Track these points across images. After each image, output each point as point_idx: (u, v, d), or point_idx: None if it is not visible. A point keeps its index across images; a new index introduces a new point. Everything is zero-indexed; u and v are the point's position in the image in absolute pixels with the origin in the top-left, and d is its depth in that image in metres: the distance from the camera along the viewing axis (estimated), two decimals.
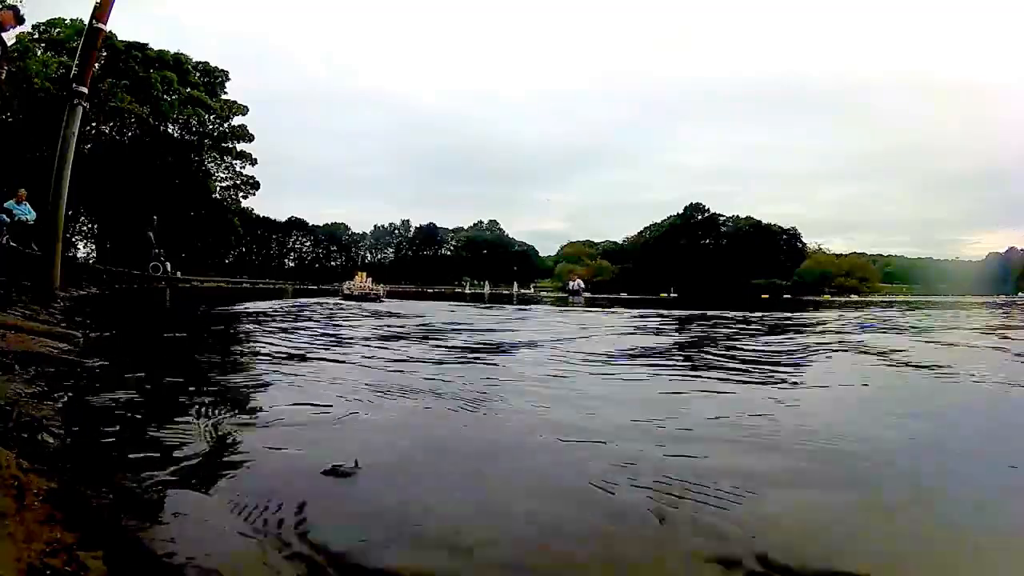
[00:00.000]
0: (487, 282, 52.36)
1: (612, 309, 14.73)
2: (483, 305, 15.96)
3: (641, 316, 10.93)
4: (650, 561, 1.18)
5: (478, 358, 4.27)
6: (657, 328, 7.82)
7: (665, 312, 12.86)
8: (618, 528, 1.30)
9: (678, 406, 2.63)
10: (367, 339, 5.52)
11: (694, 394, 2.96)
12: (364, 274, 21.06)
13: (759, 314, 12.20)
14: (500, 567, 1.13)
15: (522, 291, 43.78)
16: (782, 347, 5.47)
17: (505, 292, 40.71)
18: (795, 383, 3.41)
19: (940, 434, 2.28)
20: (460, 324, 8.01)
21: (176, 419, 2.10)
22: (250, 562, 1.09)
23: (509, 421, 2.32)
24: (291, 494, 1.40)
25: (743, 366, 4.07)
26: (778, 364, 4.26)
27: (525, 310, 13.52)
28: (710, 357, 4.56)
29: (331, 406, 2.40)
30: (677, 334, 6.97)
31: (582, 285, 29.40)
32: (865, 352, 5.04)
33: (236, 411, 2.26)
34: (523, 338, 5.96)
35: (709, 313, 12.33)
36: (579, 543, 1.24)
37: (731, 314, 12.06)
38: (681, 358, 4.53)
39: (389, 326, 7.44)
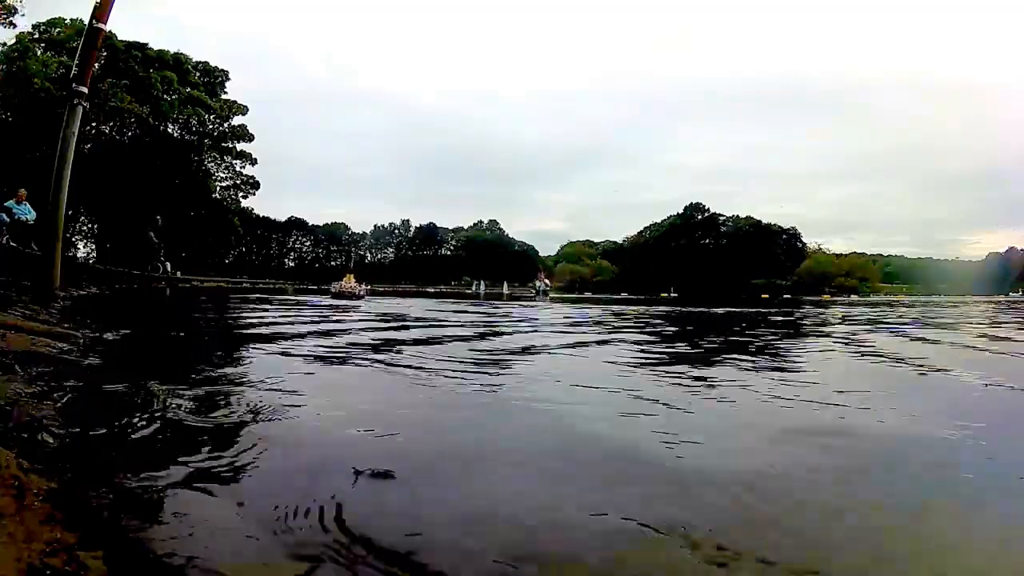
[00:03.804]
0: (482, 282, 53.13)
1: (556, 305, 15.04)
2: (469, 302, 16.97)
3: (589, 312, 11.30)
4: None
5: None
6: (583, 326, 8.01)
7: (624, 307, 13.77)
8: None
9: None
10: None
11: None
12: (352, 276, 23.41)
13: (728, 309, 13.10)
14: None
15: (535, 289, 44.44)
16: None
17: (505, 292, 40.95)
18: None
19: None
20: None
21: (176, 418, 2.10)
22: (251, 562, 1.09)
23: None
24: (291, 492, 1.40)
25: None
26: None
27: (496, 306, 14.61)
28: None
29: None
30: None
31: (548, 284, 31.39)
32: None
33: (233, 409, 2.27)
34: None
35: (680, 310, 13.23)
36: None
37: (703, 310, 13.27)
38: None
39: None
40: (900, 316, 12.34)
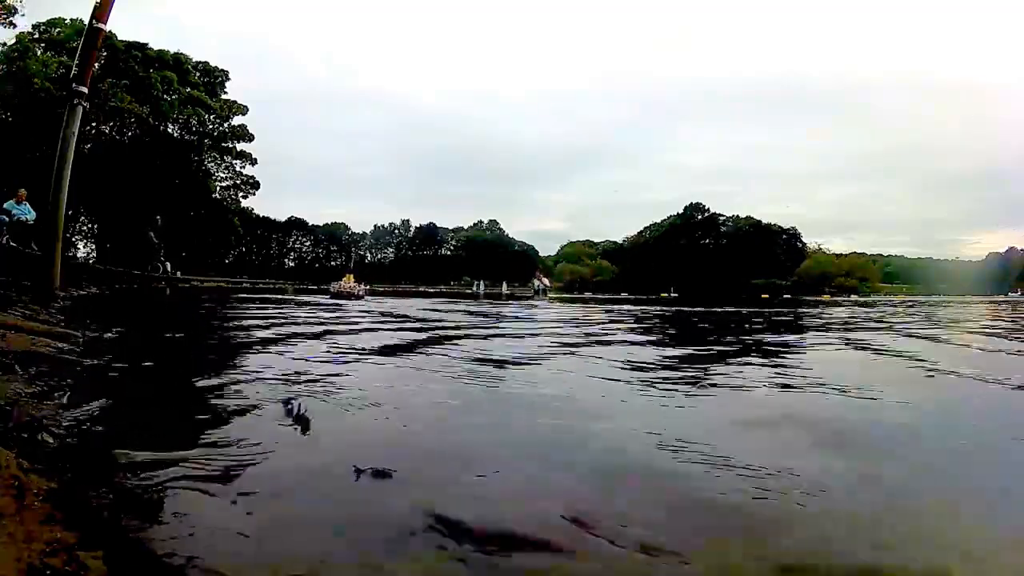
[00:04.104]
0: (481, 282, 53.30)
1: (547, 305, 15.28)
2: (468, 302, 17.15)
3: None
4: None
5: None
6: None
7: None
8: None
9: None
10: None
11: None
12: (351, 276, 23.64)
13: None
14: None
15: (533, 289, 44.57)
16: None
17: (504, 291, 41.02)
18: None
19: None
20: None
21: (176, 418, 2.10)
22: (251, 562, 1.09)
23: None
24: (292, 492, 1.40)
25: None
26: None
27: (491, 306, 15.03)
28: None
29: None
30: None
31: (547, 284, 31.45)
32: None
33: (233, 407, 2.26)
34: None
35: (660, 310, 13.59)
36: None
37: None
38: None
39: None
40: (879, 317, 12.23)
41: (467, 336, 5.98)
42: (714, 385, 3.31)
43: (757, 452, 1.84)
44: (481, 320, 9.11)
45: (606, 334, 6.63)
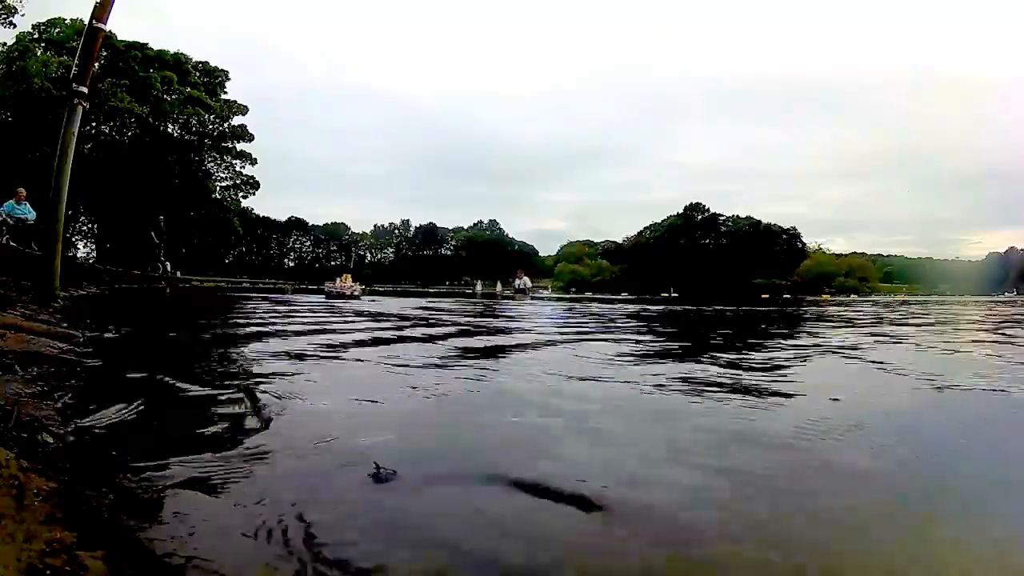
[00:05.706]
0: (480, 282, 53.47)
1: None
2: (457, 301, 17.41)
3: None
4: None
5: None
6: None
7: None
8: None
9: None
10: None
11: None
12: (349, 276, 23.51)
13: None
14: None
15: (514, 288, 44.65)
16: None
17: (499, 291, 41.09)
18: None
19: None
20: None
21: (176, 417, 2.10)
22: (251, 562, 1.09)
23: None
24: (296, 492, 1.40)
25: None
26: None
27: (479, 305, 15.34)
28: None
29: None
30: None
31: (528, 283, 31.07)
32: None
33: (233, 406, 2.26)
34: None
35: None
36: None
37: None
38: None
39: None
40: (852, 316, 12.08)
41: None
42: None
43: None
44: (430, 314, 9.51)
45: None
